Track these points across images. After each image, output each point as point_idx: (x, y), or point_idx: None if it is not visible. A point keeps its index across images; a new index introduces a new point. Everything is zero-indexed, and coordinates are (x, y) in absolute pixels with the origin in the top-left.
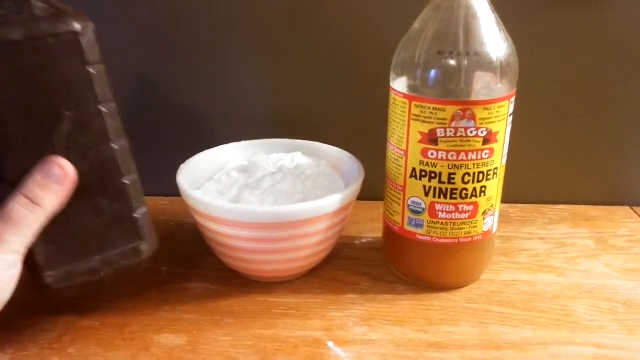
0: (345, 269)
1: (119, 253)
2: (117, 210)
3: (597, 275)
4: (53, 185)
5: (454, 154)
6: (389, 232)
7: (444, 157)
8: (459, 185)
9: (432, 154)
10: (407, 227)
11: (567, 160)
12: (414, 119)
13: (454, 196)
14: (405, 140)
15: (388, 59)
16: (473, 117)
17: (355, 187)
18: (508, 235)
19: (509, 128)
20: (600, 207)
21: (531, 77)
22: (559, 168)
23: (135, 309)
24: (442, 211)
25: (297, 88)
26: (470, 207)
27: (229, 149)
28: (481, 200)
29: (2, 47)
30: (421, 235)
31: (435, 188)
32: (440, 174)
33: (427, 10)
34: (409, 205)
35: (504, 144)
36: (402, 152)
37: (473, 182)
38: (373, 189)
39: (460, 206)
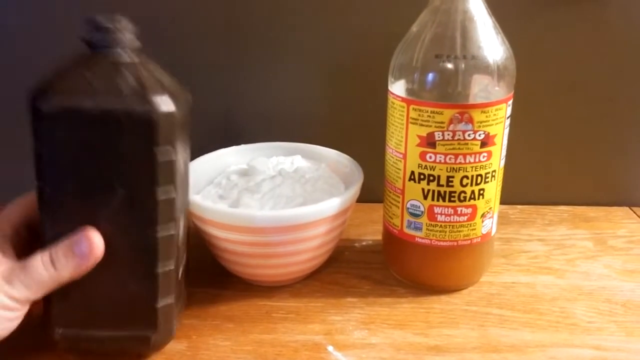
0: (345, 272)
1: (128, 336)
2: (140, 294)
3: (596, 277)
4: (75, 258)
5: (452, 157)
6: (388, 235)
7: (442, 160)
8: (458, 188)
9: (431, 157)
10: (406, 230)
11: (566, 161)
12: (412, 122)
13: (452, 199)
14: (403, 144)
15: (387, 62)
16: (471, 120)
17: (355, 190)
18: (507, 236)
19: (507, 131)
20: (600, 208)
21: (529, 78)
22: (558, 169)
23: None
24: (441, 214)
25: (296, 91)
26: (469, 210)
27: (228, 153)
28: (479, 203)
29: (73, 113)
30: (420, 238)
31: (433, 191)
32: (439, 177)
33: (425, 14)
34: (408, 208)
35: (501, 147)
36: (401, 155)
37: (471, 185)
38: (373, 191)
39: (459, 209)
